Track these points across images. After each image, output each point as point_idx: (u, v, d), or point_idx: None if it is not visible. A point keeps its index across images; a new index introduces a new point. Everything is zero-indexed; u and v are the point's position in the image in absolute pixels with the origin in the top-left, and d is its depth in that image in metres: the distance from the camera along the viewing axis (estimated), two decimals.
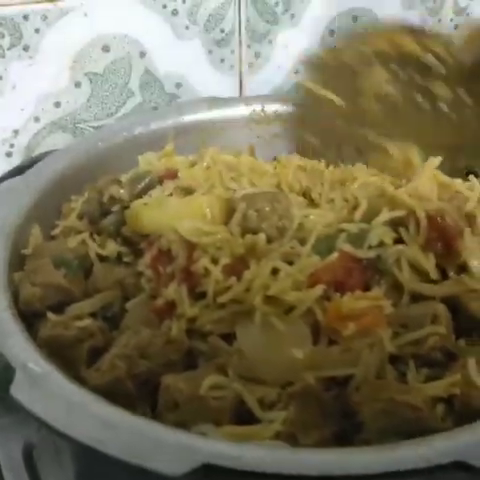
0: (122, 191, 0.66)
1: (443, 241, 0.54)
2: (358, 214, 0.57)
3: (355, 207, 0.59)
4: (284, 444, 0.44)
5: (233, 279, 0.51)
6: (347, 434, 0.46)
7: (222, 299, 0.51)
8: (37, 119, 0.84)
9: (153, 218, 0.59)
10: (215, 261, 0.53)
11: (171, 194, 0.63)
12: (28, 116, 0.83)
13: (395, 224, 0.55)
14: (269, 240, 0.55)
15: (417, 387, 0.47)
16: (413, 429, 0.44)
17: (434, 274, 0.53)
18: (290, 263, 0.53)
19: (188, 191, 0.63)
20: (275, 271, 0.52)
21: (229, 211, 0.58)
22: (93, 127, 0.87)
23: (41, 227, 0.66)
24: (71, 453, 0.52)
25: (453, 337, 0.52)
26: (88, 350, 0.51)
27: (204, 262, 0.52)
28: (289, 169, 0.68)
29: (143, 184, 0.66)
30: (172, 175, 0.66)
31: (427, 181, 0.58)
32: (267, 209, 0.56)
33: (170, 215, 0.58)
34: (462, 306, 0.52)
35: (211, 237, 0.54)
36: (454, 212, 0.55)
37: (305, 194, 0.66)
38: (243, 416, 0.48)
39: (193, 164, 0.70)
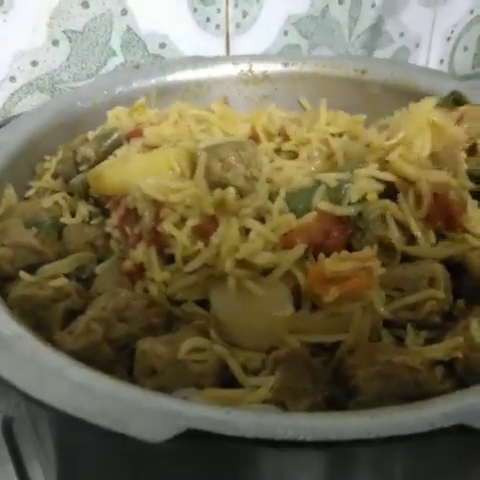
0: (88, 150, 0.62)
1: (446, 217, 0.50)
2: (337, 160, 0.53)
3: (333, 154, 0.55)
4: (274, 408, 0.41)
5: (200, 244, 0.47)
6: (339, 400, 0.43)
7: (190, 266, 0.47)
8: (13, 79, 0.80)
9: (116, 177, 0.54)
10: (184, 220, 0.49)
11: (138, 152, 0.58)
12: (3, 76, 0.79)
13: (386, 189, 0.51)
14: (240, 194, 0.50)
15: (416, 350, 0.44)
16: (411, 392, 0.42)
17: (423, 240, 0.50)
18: (263, 221, 0.49)
19: (154, 149, 0.58)
20: (247, 231, 0.48)
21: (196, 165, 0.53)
22: (72, 88, 0.83)
23: (15, 188, 0.62)
24: (48, 422, 0.49)
25: (451, 298, 0.48)
26: (64, 311, 0.48)
27: (168, 226, 0.48)
28: (264, 113, 0.64)
29: (109, 142, 0.62)
30: (139, 133, 0.62)
31: (418, 131, 0.54)
32: (232, 158, 0.51)
33: (135, 172, 0.53)
34: (467, 265, 0.49)
35: (179, 194, 0.50)
36: (456, 184, 0.50)
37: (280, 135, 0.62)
38: (227, 381, 0.45)
39: (163, 118, 0.66)
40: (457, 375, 0.44)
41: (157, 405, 0.38)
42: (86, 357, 0.44)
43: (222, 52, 0.91)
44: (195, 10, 0.87)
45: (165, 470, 0.43)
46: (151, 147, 0.58)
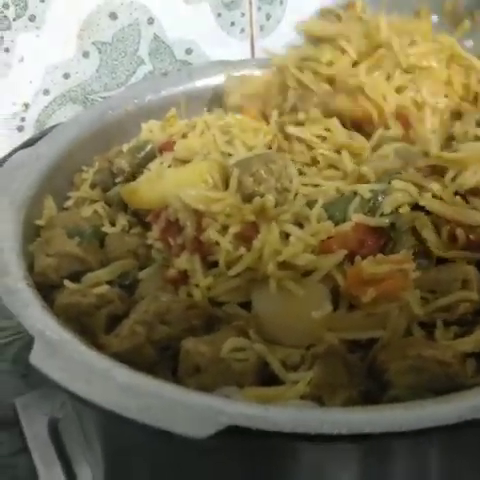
0: (123, 161, 0.64)
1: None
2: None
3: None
4: (311, 403, 0.43)
5: (243, 249, 0.50)
6: (374, 395, 0.45)
7: (234, 270, 0.50)
8: (47, 91, 0.82)
9: (152, 192, 0.57)
10: (225, 228, 0.51)
11: (170, 166, 0.61)
12: (37, 89, 0.82)
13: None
14: (274, 205, 0.52)
15: (446, 343, 0.45)
16: (442, 386, 0.43)
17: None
18: (300, 226, 0.51)
19: (185, 162, 0.61)
20: (286, 236, 0.51)
21: (227, 177, 0.56)
22: (104, 97, 0.85)
23: (53, 199, 0.65)
24: (95, 422, 0.52)
25: None
26: (107, 317, 0.51)
27: (212, 233, 0.51)
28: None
29: (143, 154, 0.65)
30: (171, 145, 0.64)
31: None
32: (262, 172, 0.54)
33: (169, 186, 0.56)
34: None
35: (219, 204, 0.52)
36: None
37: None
38: (266, 379, 0.47)
39: (191, 127, 0.68)
40: None
41: (199, 403, 0.41)
42: (130, 359, 0.46)
43: (247, 55, 0.93)
44: (219, 15, 0.89)
45: (208, 465, 0.45)
46: (182, 160, 0.60)
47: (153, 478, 0.50)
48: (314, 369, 0.45)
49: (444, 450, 0.43)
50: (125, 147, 0.66)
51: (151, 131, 0.68)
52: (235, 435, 0.39)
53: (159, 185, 0.57)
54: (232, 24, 0.90)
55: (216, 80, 0.79)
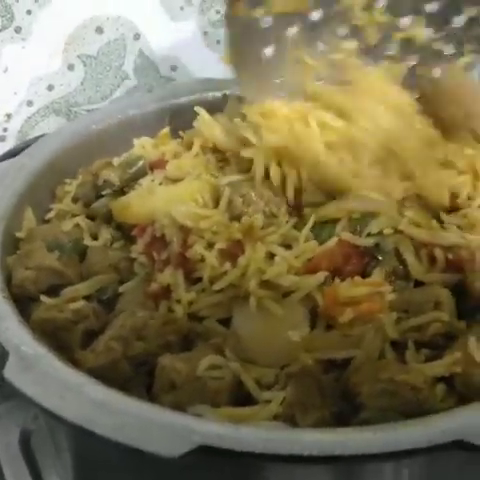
0: (113, 175, 0.65)
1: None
2: None
3: None
4: (283, 424, 0.43)
5: (228, 265, 0.51)
6: (346, 416, 0.45)
7: (218, 285, 0.51)
8: (30, 103, 0.83)
9: (143, 208, 0.58)
10: (211, 245, 0.52)
11: (161, 183, 0.62)
12: (21, 100, 0.82)
13: None
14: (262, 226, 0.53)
15: (417, 367, 0.46)
16: (413, 409, 0.44)
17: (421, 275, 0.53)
18: (287, 247, 0.52)
19: (176, 181, 0.61)
20: (272, 256, 0.51)
21: (218, 197, 0.57)
22: (87, 110, 0.86)
23: (34, 210, 0.65)
24: (67, 437, 0.52)
25: (455, 321, 0.51)
26: (83, 332, 0.51)
27: (199, 248, 0.52)
28: None
29: (134, 169, 0.66)
30: (162, 164, 0.65)
31: None
32: (252, 194, 0.56)
33: (160, 202, 0.57)
34: (467, 287, 0.51)
35: (207, 221, 0.53)
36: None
37: None
38: (240, 399, 0.47)
39: (188, 146, 0.68)
40: (457, 392, 0.46)
41: (172, 422, 0.41)
42: (105, 374, 0.46)
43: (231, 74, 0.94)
44: (205, 33, 0.90)
45: None
46: (173, 179, 0.61)
47: None
48: (287, 389, 0.45)
49: (413, 473, 0.44)
50: (115, 160, 0.67)
51: (143, 147, 0.68)
52: (207, 454, 0.39)
53: (150, 201, 0.58)
54: (218, 42, 0.91)
55: (200, 97, 0.80)
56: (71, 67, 0.83)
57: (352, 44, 0.61)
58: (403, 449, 0.38)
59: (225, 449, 0.39)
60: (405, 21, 0.62)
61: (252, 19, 0.59)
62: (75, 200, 0.66)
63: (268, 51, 0.61)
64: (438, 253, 0.52)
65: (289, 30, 0.60)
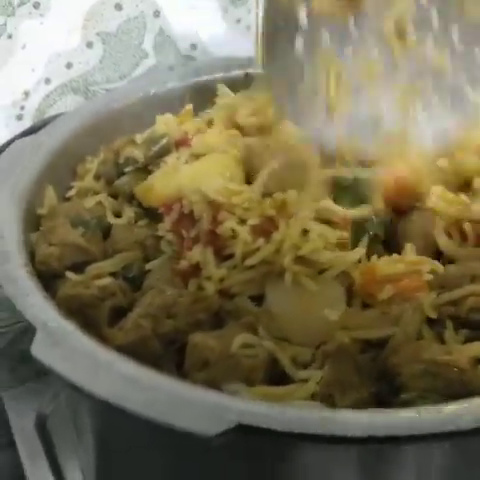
0: (136, 152, 0.63)
1: None
2: None
3: None
4: (321, 405, 0.42)
5: (261, 241, 0.49)
6: (384, 396, 0.44)
7: (251, 261, 0.49)
8: (48, 80, 0.81)
9: (167, 188, 0.56)
10: (242, 222, 0.51)
11: (186, 161, 0.60)
12: (39, 77, 0.80)
13: None
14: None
15: (458, 348, 0.44)
16: (456, 391, 0.42)
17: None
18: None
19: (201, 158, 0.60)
20: (305, 232, 0.50)
21: (247, 172, 0.56)
22: (105, 89, 0.84)
23: (54, 188, 0.63)
24: (91, 416, 0.50)
25: None
26: (110, 309, 0.49)
27: (231, 223, 0.50)
28: None
29: (158, 147, 0.64)
30: (187, 141, 0.63)
31: None
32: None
33: (188, 178, 0.55)
34: None
35: (239, 197, 0.52)
36: None
37: None
38: (275, 377, 0.46)
39: (210, 123, 0.67)
40: None
41: (208, 399, 0.39)
42: (135, 352, 0.45)
43: (251, 53, 0.92)
44: (226, 11, 0.88)
45: (211, 463, 0.44)
46: (198, 156, 0.59)
47: (151, 476, 0.49)
48: (325, 368, 0.44)
49: (457, 455, 0.42)
50: (138, 137, 0.65)
51: (166, 124, 0.66)
52: (245, 433, 0.37)
53: (175, 180, 0.56)
54: (238, 21, 0.89)
55: (222, 76, 0.79)
56: (90, 44, 0.81)
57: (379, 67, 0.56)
58: (450, 430, 0.37)
59: (264, 428, 0.37)
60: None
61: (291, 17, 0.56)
62: (97, 178, 0.64)
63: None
64: (467, 226, 0.51)
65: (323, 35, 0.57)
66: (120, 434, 0.48)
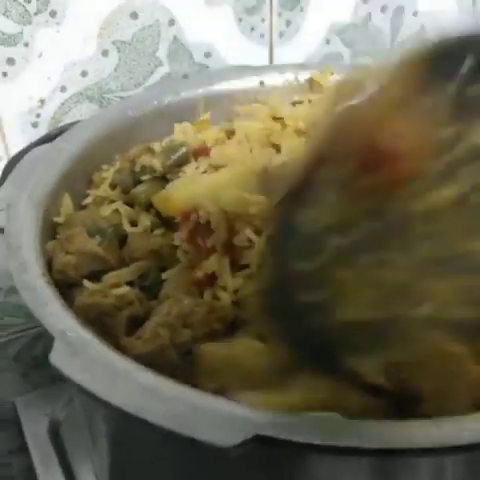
0: (155, 160, 0.64)
1: None
2: None
3: None
4: (337, 416, 0.42)
5: None
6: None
7: None
8: (64, 88, 0.81)
9: (184, 197, 0.56)
10: (258, 232, 0.51)
11: (205, 171, 0.61)
12: (55, 85, 0.81)
13: None
14: None
15: None
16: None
17: None
18: None
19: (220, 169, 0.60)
20: None
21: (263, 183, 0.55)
22: (120, 97, 0.84)
23: (71, 196, 0.64)
24: (107, 423, 0.51)
25: None
26: (127, 318, 0.50)
27: (248, 233, 0.50)
28: None
29: (177, 156, 0.64)
30: (206, 151, 0.64)
31: None
32: None
33: (205, 189, 0.56)
34: None
35: (257, 207, 0.52)
36: None
37: None
38: None
39: (229, 133, 0.67)
40: None
41: (226, 410, 0.40)
42: (152, 362, 0.45)
43: (265, 61, 0.93)
44: (240, 20, 0.88)
45: (228, 474, 0.44)
46: (216, 167, 0.60)
47: None
48: None
49: (468, 468, 0.42)
50: (156, 146, 0.65)
51: (184, 133, 0.67)
52: (262, 445, 0.38)
53: (192, 190, 0.56)
54: (252, 29, 0.89)
55: (235, 84, 0.79)
56: (105, 53, 0.82)
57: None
58: (470, 443, 0.37)
59: (282, 439, 0.37)
60: None
61: None
62: (113, 186, 0.64)
63: None
64: None
65: None
66: (136, 442, 0.48)
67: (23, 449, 0.86)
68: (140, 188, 0.62)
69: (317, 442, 0.37)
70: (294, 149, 0.63)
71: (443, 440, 0.38)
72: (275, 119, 0.68)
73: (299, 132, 0.66)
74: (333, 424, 0.39)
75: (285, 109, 0.70)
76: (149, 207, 0.60)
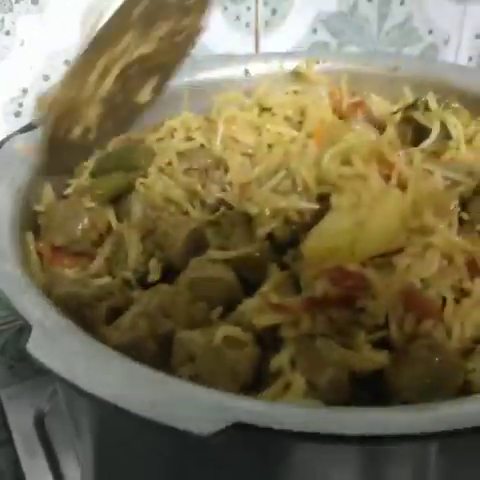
0: None
1: None
2: None
3: None
4: (318, 403, 0.41)
5: None
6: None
7: None
8: (46, 77, 0.80)
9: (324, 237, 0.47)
10: None
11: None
12: (37, 74, 0.80)
13: None
14: None
15: None
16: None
17: None
18: None
19: None
20: None
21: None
22: None
23: (52, 186, 0.63)
24: (90, 414, 0.50)
25: None
26: (107, 309, 0.49)
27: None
28: None
29: None
30: None
31: None
32: None
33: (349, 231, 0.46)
34: None
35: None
36: None
37: None
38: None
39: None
40: None
41: (205, 398, 0.39)
42: (131, 352, 0.44)
43: (251, 50, 0.92)
44: (225, 8, 0.87)
45: (209, 463, 0.43)
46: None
47: (149, 472, 0.49)
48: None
49: (449, 455, 0.42)
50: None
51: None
52: (242, 432, 0.37)
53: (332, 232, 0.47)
54: (237, 18, 0.88)
55: (220, 73, 0.78)
56: None
57: None
58: (451, 429, 0.36)
59: (261, 427, 0.37)
60: None
61: None
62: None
63: None
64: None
65: None
66: (118, 432, 0.48)
67: (8, 440, 0.86)
68: None
69: (297, 429, 0.37)
70: None
71: (425, 426, 0.37)
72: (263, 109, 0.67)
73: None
74: (316, 411, 0.38)
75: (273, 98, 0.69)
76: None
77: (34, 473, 0.78)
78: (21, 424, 0.85)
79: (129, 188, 0.60)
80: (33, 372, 0.91)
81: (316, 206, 0.49)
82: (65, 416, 0.62)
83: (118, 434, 0.48)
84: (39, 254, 0.56)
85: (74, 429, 0.60)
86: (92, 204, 0.58)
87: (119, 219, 0.58)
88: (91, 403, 0.44)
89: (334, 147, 0.51)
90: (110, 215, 0.57)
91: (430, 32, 1.03)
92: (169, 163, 0.61)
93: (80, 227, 0.56)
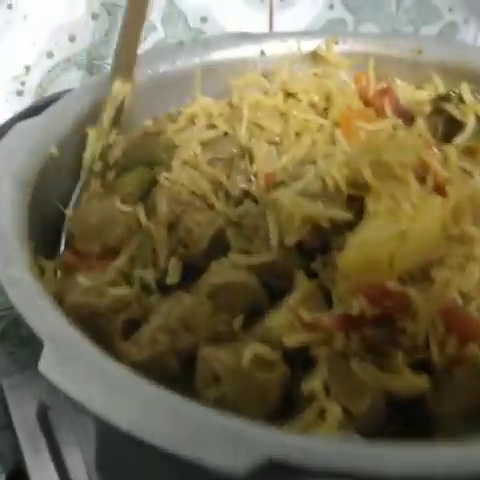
0: None
1: None
2: None
3: None
4: (355, 435, 0.38)
5: None
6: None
7: None
8: (50, 54, 0.76)
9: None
10: None
11: None
12: (40, 51, 0.75)
13: None
14: None
15: None
16: None
17: None
18: None
19: None
20: None
21: None
22: (111, 65, 0.79)
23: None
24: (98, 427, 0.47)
25: None
26: (123, 322, 0.45)
27: None
28: None
29: None
30: None
31: None
32: None
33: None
34: None
35: None
36: None
37: None
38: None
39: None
40: None
41: (233, 429, 0.36)
42: (151, 369, 0.42)
43: (265, 27, 0.87)
44: None
45: None
46: None
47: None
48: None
49: None
50: None
51: None
52: (276, 470, 0.34)
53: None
54: None
55: (234, 53, 0.74)
56: (95, 16, 0.76)
57: None
58: None
59: (296, 466, 0.34)
60: None
61: None
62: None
63: None
64: None
65: None
66: (128, 455, 0.45)
67: (9, 425, 0.83)
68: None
69: (335, 468, 0.34)
70: None
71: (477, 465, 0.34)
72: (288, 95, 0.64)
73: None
74: (358, 447, 0.35)
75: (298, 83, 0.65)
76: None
77: (36, 463, 0.76)
78: (24, 415, 0.82)
79: (154, 183, 0.56)
80: (35, 359, 0.89)
81: (350, 216, 0.45)
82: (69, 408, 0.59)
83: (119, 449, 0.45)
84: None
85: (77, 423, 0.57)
86: (126, 208, 0.54)
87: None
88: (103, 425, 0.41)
89: (370, 155, 0.47)
90: (141, 214, 0.54)
91: (450, 10, 0.99)
92: (193, 154, 0.57)
93: (119, 232, 0.53)
